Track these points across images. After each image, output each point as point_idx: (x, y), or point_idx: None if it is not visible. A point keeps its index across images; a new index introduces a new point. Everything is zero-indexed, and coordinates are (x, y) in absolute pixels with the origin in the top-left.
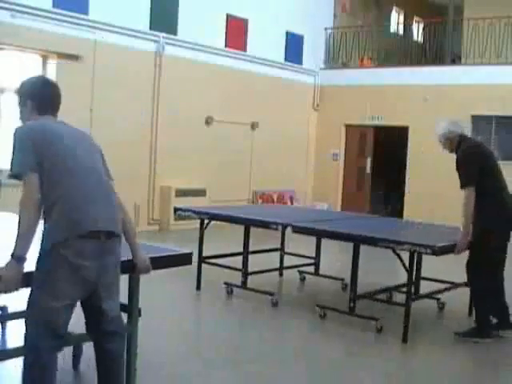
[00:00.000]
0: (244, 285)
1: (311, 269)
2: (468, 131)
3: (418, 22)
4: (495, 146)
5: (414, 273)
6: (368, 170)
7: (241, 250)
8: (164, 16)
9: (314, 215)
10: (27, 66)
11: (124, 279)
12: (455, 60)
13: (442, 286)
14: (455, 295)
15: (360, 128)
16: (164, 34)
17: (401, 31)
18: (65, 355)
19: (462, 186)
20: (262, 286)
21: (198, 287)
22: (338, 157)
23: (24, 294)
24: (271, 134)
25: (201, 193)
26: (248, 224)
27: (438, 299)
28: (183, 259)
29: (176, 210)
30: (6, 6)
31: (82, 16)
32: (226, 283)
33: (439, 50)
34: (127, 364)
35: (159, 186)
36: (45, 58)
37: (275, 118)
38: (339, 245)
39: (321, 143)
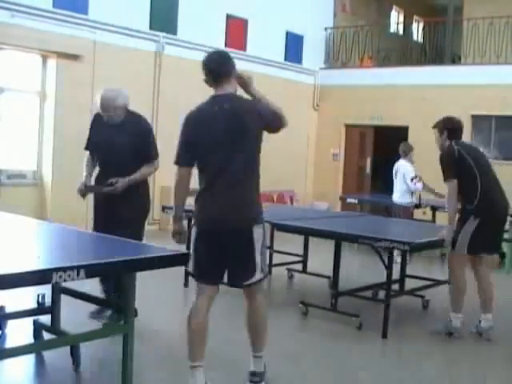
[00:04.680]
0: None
1: (300, 267)
2: (468, 131)
3: (418, 22)
4: (495, 145)
5: (399, 270)
6: (368, 170)
7: None
8: (164, 16)
9: (300, 213)
10: (27, 66)
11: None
12: (455, 60)
13: (427, 284)
14: (441, 293)
15: (360, 128)
16: (164, 34)
17: (401, 31)
18: (64, 355)
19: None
20: None
21: (186, 284)
22: (338, 157)
23: (20, 294)
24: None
25: None
26: None
27: (422, 297)
28: (180, 259)
29: (164, 208)
30: (6, 5)
31: (82, 16)
32: None
33: (439, 50)
34: (123, 364)
35: (159, 186)
36: (45, 58)
37: None
38: (329, 243)
39: (321, 143)
